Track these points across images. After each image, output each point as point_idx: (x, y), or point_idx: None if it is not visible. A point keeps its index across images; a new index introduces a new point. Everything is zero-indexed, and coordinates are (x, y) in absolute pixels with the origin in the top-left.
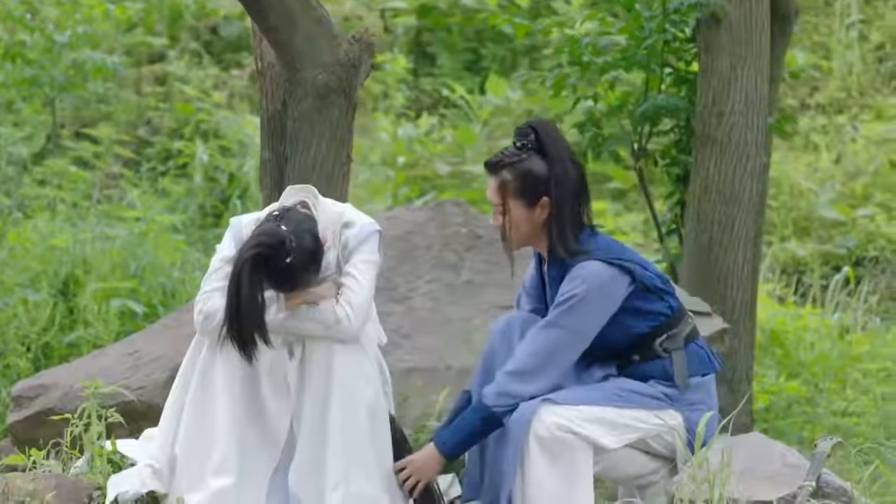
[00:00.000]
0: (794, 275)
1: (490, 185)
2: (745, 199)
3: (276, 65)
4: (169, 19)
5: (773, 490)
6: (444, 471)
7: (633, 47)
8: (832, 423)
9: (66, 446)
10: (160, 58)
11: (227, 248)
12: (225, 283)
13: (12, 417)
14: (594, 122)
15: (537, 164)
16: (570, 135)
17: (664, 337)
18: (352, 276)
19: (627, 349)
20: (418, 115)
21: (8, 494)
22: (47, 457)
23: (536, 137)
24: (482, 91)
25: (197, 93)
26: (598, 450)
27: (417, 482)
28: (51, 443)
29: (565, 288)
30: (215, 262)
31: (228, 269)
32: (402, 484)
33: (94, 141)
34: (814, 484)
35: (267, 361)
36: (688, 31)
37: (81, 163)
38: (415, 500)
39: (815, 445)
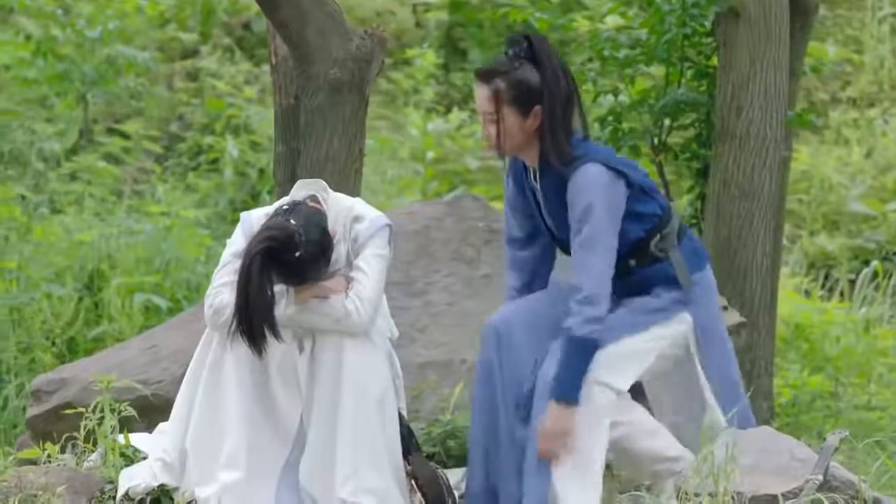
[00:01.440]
0: (822, 269)
1: (481, 93)
2: (764, 193)
3: (290, 59)
4: (202, 15)
5: (781, 484)
6: (458, 465)
7: (654, 41)
8: (855, 417)
9: (81, 440)
10: (192, 53)
11: (237, 243)
12: (235, 278)
13: (31, 411)
14: (615, 116)
15: (531, 74)
16: (592, 129)
17: (658, 238)
18: (361, 270)
19: (624, 256)
20: (448, 110)
21: (21, 487)
22: (63, 451)
23: (529, 46)
24: None
25: (228, 88)
26: (621, 394)
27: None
28: (64, 437)
29: (577, 199)
30: (226, 256)
31: (239, 263)
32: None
33: (126, 136)
34: (821, 477)
35: (277, 355)
36: (707, 24)
37: (112, 158)
38: (424, 493)
39: (824, 439)
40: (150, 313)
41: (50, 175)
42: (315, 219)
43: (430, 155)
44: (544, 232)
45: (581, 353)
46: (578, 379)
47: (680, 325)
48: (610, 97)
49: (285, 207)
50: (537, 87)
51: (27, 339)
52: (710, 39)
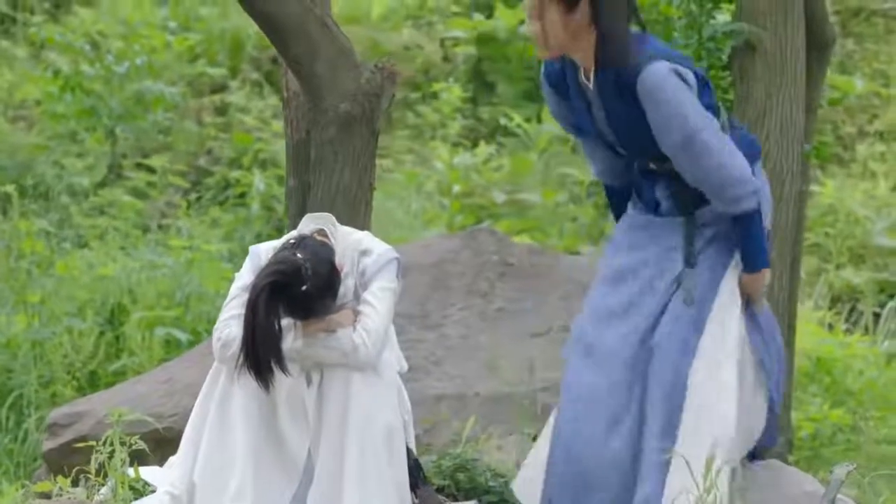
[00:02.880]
0: (848, 303)
1: None
2: (780, 226)
3: (301, 94)
4: (230, 50)
5: None
6: (467, 497)
7: None
8: (876, 451)
9: (91, 474)
10: (221, 88)
11: (245, 276)
12: (243, 311)
13: (47, 445)
14: None
15: None
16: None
17: None
18: (369, 304)
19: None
20: (475, 144)
21: None
22: (76, 484)
23: None
24: (539, 120)
25: (257, 122)
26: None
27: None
28: (75, 470)
29: (655, 106)
30: (234, 289)
31: (246, 297)
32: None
33: (155, 171)
34: None
35: (285, 389)
36: (724, 58)
37: (140, 193)
38: None
39: (831, 472)
40: (172, 347)
41: (75, 209)
42: (322, 253)
43: (457, 188)
44: (591, 134)
45: (756, 224)
46: (763, 246)
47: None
48: None
49: (292, 241)
50: None
51: (49, 372)
52: (726, 73)
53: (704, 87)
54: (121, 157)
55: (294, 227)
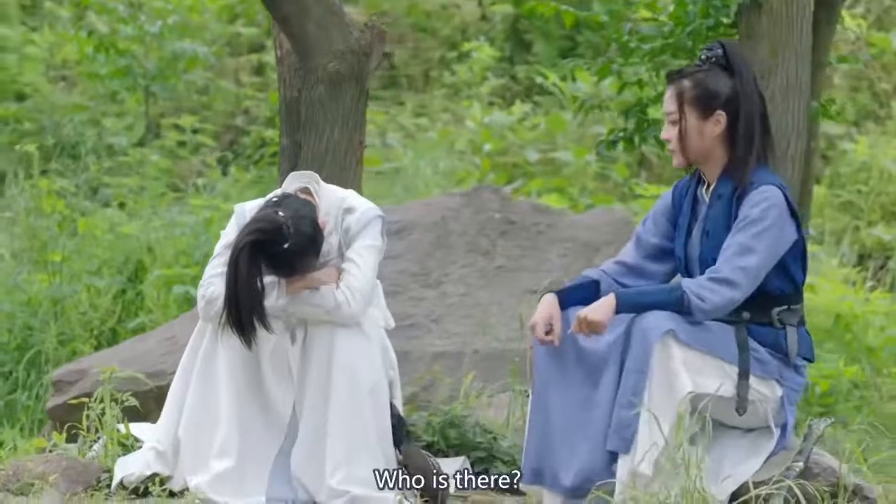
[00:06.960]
0: (878, 259)
1: (667, 94)
2: (786, 183)
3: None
4: None
5: (763, 471)
6: (458, 454)
7: (678, 32)
8: (889, 408)
9: (84, 430)
10: (259, 48)
11: (230, 234)
12: (226, 269)
13: (52, 402)
14: (640, 107)
15: (718, 78)
16: (619, 121)
17: (784, 308)
18: (352, 262)
19: (745, 303)
20: (511, 103)
21: (18, 476)
22: (74, 440)
23: (724, 53)
24: (574, 78)
25: None
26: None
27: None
28: (66, 426)
29: (751, 210)
30: (218, 247)
31: (229, 254)
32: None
33: (194, 130)
34: (801, 464)
35: (269, 346)
36: (731, 16)
37: (174, 153)
38: (414, 481)
39: (809, 427)
40: (190, 305)
41: (101, 168)
42: (304, 210)
43: (488, 147)
44: (677, 258)
45: (669, 297)
46: (641, 307)
47: (770, 392)
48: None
49: (275, 199)
50: (722, 93)
51: (68, 330)
52: (733, 30)
53: (800, 255)
54: (159, 117)
55: None
